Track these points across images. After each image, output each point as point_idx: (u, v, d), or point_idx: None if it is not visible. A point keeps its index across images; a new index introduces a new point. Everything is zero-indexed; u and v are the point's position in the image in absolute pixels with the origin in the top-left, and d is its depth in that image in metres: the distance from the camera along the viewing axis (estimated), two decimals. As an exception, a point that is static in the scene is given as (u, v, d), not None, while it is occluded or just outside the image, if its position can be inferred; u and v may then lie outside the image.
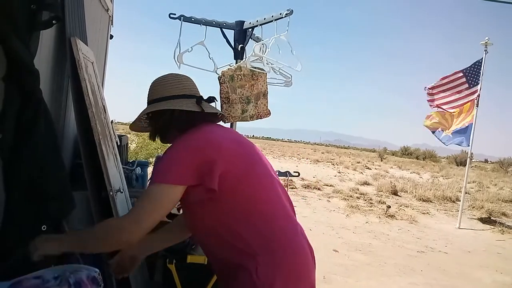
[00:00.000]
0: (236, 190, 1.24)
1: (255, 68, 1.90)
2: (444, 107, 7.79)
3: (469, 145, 7.45)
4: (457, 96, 7.59)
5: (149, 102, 1.42)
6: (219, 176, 1.20)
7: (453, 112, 7.68)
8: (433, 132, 7.94)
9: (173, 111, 1.36)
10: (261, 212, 1.27)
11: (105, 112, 2.72)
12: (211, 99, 1.45)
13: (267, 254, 1.21)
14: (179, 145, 1.26)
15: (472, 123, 7.32)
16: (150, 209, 1.18)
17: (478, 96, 7.30)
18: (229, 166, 1.23)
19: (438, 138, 7.89)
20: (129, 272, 1.55)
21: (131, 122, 1.52)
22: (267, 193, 1.31)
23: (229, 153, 1.26)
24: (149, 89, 1.44)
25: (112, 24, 4.48)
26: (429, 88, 7.88)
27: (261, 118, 2.05)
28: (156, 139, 1.46)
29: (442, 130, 7.84)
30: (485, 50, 7.38)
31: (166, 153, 1.26)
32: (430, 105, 7.99)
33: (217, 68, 1.97)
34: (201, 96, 1.42)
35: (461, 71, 7.58)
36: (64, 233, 1.37)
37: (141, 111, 1.42)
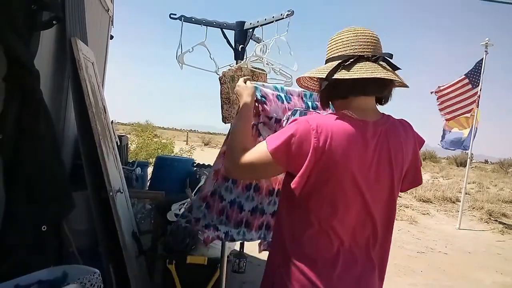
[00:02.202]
0: (305, 205, 1.10)
1: (255, 68, 1.90)
2: (452, 114, 7.71)
3: (468, 146, 7.46)
4: (466, 102, 7.55)
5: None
6: (303, 177, 1.05)
7: (466, 115, 7.62)
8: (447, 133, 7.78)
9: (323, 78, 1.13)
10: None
11: (105, 113, 2.72)
12: (379, 56, 1.10)
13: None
14: (301, 122, 1.07)
15: (476, 127, 7.33)
16: (246, 163, 1.14)
17: (478, 97, 7.30)
18: (318, 184, 1.06)
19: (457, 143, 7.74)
20: None
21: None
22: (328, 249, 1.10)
23: (334, 171, 1.05)
24: None
25: (112, 24, 4.49)
26: (435, 92, 7.81)
27: (261, 119, 2.05)
28: (328, 105, 1.24)
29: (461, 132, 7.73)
30: (486, 51, 7.37)
31: (292, 121, 1.11)
32: (441, 114, 7.85)
33: (218, 69, 1.97)
34: (352, 56, 1.09)
35: (465, 75, 7.57)
36: (248, 105, 1.34)
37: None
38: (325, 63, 1.17)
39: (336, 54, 1.13)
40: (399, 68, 1.13)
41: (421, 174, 1.26)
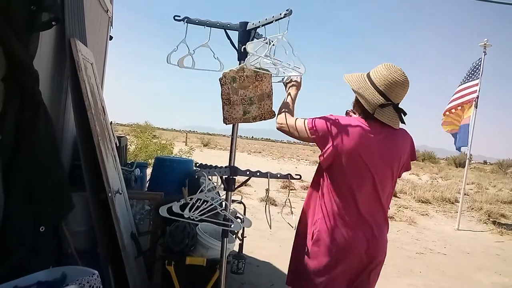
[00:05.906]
0: (332, 180, 1.69)
1: (259, 69, 1.87)
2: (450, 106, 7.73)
3: (466, 146, 7.46)
4: (461, 100, 7.58)
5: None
6: (328, 153, 1.65)
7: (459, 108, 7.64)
8: (455, 135, 7.73)
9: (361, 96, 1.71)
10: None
11: (105, 114, 2.72)
12: (389, 106, 1.65)
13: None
14: (332, 117, 1.72)
15: (468, 124, 7.32)
16: (291, 123, 1.80)
17: (477, 97, 7.31)
18: (336, 160, 1.64)
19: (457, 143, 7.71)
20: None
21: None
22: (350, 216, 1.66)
23: (347, 153, 1.62)
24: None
25: (111, 25, 4.49)
26: (445, 114, 7.81)
27: (265, 119, 2.02)
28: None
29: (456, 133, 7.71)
30: (484, 52, 7.39)
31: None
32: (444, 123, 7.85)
33: (223, 68, 1.95)
34: (386, 103, 1.64)
35: (460, 82, 7.63)
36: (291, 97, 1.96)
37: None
38: (371, 80, 1.67)
39: (380, 87, 1.64)
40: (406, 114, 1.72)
41: (410, 164, 1.85)
